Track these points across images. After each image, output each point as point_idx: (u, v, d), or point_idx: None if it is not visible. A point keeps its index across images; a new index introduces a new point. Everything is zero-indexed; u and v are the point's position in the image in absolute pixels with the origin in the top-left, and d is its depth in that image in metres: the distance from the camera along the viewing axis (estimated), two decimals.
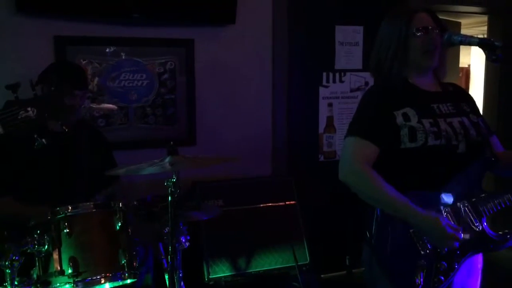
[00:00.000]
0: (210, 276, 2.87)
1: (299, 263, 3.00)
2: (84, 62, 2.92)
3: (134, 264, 1.97)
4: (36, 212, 1.99)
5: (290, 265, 3.02)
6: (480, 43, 1.66)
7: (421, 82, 1.88)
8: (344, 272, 3.37)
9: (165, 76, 3.13)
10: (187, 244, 2.25)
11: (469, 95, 2.03)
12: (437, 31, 1.81)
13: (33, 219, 1.93)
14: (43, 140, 1.47)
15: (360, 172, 1.73)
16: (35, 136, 1.45)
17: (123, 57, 3.01)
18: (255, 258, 3.00)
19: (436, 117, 1.79)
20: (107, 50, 2.98)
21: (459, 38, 1.74)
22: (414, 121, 1.76)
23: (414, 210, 1.66)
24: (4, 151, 2.25)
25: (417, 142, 1.74)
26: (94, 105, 2.95)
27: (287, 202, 3.18)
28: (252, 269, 2.98)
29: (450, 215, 1.77)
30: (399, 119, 1.76)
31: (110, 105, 2.97)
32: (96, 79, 2.96)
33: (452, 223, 1.72)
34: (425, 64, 1.84)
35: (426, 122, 1.77)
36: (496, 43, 1.61)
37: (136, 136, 3.09)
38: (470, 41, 1.72)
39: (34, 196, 2.24)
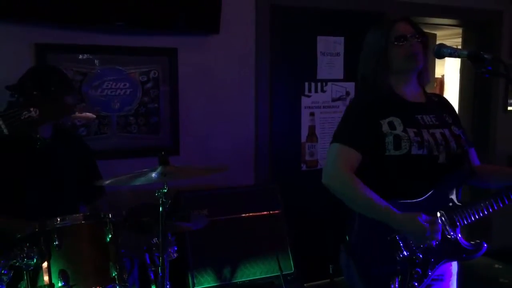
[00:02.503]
0: (195, 287, 2.84)
1: (283, 273, 3.00)
2: (66, 70, 2.86)
3: (124, 276, 1.93)
4: (21, 224, 1.93)
5: (275, 274, 3.02)
6: (470, 55, 1.71)
7: (407, 92, 1.93)
8: (328, 280, 3.38)
9: (149, 85, 3.10)
10: (175, 255, 2.23)
11: (452, 107, 2.09)
12: (416, 37, 1.87)
13: (19, 231, 1.87)
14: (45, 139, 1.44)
15: (343, 176, 1.79)
16: (38, 136, 1.43)
17: (106, 65, 2.97)
18: (240, 268, 2.98)
19: (420, 128, 1.85)
20: (90, 58, 2.93)
21: (449, 51, 1.78)
22: (399, 130, 1.82)
23: (393, 213, 1.73)
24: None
25: (401, 150, 1.80)
26: (75, 114, 2.88)
27: (271, 212, 3.18)
28: (237, 279, 2.96)
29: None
30: (385, 127, 1.82)
31: (89, 114, 2.92)
32: (78, 87, 2.91)
33: (430, 218, 1.77)
34: (409, 67, 1.89)
35: (411, 132, 1.82)
36: (485, 56, 1.66)
37: (119, 145, 3.05)
38: (460, 53, 1.77)
39: (15, 208, 2.17)
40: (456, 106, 4.66)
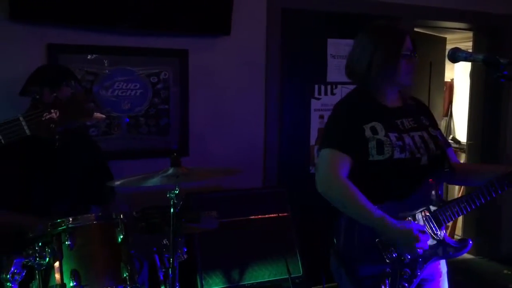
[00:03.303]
0: None
1: (292, 276, 2.99)
2: (78, 70, 2.87)
3: (135, 277, 1.93)
4: (33, 221, 1.94)
5: (283, 277, 3.01)
6: (485, 60, 1.70)
7: (386, 97, 1.97)
8: (336, 284, 3.37)
9: (159, 86, 3.11)
10: (185, 256, 2.23)
11: (428, 108, 2.16)
12: (415, 55, 1.93)
13: (31, 231, 1.88)
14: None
15: (338, 184, 1.81)
16: (57, 137, 1.45)
17: (117, 66, 2.98)
18: (249, 270, 2.98)
19: (401, 132, 1.90)
20: (101, 58, 2.94)
21: (464, 55, 1.78)
22: (381, 135, 1.86)
23: (388, 223, 1.76)
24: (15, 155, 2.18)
25: (384, 155, 1.84)
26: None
27: (280, 214, 3.17)
28: (246, 282, 2.95)
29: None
30: (368, 132, 1.86)
31: (99, 114, 2.93)
32: (89, 87, 2.92)
33: (422, 226, 1.83)
34: (407, 84, 1.96)
35: (392, 136, 1.87)
36: (501, 61, 1.65)
37: (129, 146, 3.05)
38: (475, 58, 1.77)
39: (21, 205, 2.18)
40: (466, 110, 4.65)
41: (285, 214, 3.18)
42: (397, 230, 1.76)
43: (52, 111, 1.43)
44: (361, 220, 1.81)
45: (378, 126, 1.87)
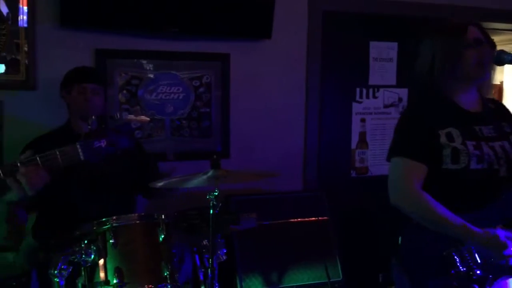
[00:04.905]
0: None
1: (331, 280, 2.98)
2: (124, 74, 2.98)
3: (176, 276, 1.98)
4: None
5: (322, 281, 3.00)
6: None
7: (465, 100, 1.86)
8: None
9: (201, 89, 3.17)
10: (224, 257, 2.27)
11: (509, 111, 2.01)
12: (489, 44, 1.81)
13: (78, 229, 1.96)
14: None
15: (413, 196, 1.72)
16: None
17: (161, 70, 3.06)
18: (288, 273, 2.98)
19: (479, 140, 1.78)
20: (146, 63, 3.03)
21: (509, 57, 1.73)
22: (458, 142, 1.75)
23: (472, 230, 1.67)
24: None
25: (459, 164, 1.73)
26: (131, 117, 3.00)
27: (319, 218, 3.16)
28: (284, 284, 2.96)
29: None
30: (443, 139, 1.75)
31: (143, 117, 3.03)
32: (134, 91, 3.01)
33: (509, 233, 1.71)
34: (478, 76, 1.82)
35: (470, 145, 1.75)
36: None
37: (171, 148, 3.12)
38: None
39: (66, 207, 2.28)
40: None
41: (325, 218, 3.17)
42: (481, 237, 1.67)
43: (102, 140, 1.60)
44: (441, 230, 1.71)
45: (455, 133, 1.76)
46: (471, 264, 1.70)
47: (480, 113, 1.87)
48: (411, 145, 1.77)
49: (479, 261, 1.69)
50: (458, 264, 1.69)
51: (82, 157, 1.57)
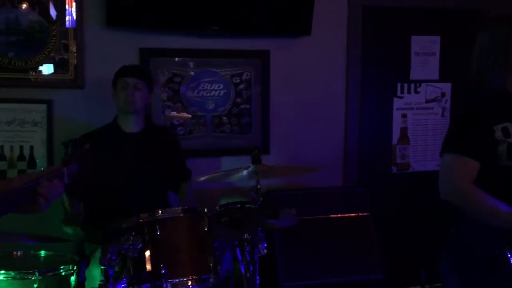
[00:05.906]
0: (284, 284, 2.89)
1: (372, 276, 2.97)
2: (166, 72, 3.06)
3: (218, 268, 2.03)
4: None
5: (363, 277, 2.99)
6: None
7: None
8: (419, 287, 3.29)
9: (241, 86, 3.21)
10: (265, 251, 2.30)
11: None
12: None
13: (124, 222, 2.04)
14: None
15: (463, 191, 1.69)
16: None
17: (202, 68, 3.12)
18: (328, 268, 2.99)
19: None
20: (187, 61, 3.10)
21: None
22: None
23: None
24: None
25: None
26: (173, 113, 3.09)
27: (360, 213, 3.15)
28: (326, 280, 2.97)
29: None
30: (498, 134, 1.70)
31: (185, 114, 3.11)
32: (177, 89, 3.09)
33: None
34: None
35: None
36: None
37: (212, 144, 3.19)
38: None
39: (111, 202, 2.38)
40: None
41: (365, 213, 3.16)
42: None
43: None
44: (492, 221, 1.67)
45: (511, 128, 1.71)
46: None
47: None
48: (463, 141, 1.73)
49: None
50: (511, 262, 1.65)
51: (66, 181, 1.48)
